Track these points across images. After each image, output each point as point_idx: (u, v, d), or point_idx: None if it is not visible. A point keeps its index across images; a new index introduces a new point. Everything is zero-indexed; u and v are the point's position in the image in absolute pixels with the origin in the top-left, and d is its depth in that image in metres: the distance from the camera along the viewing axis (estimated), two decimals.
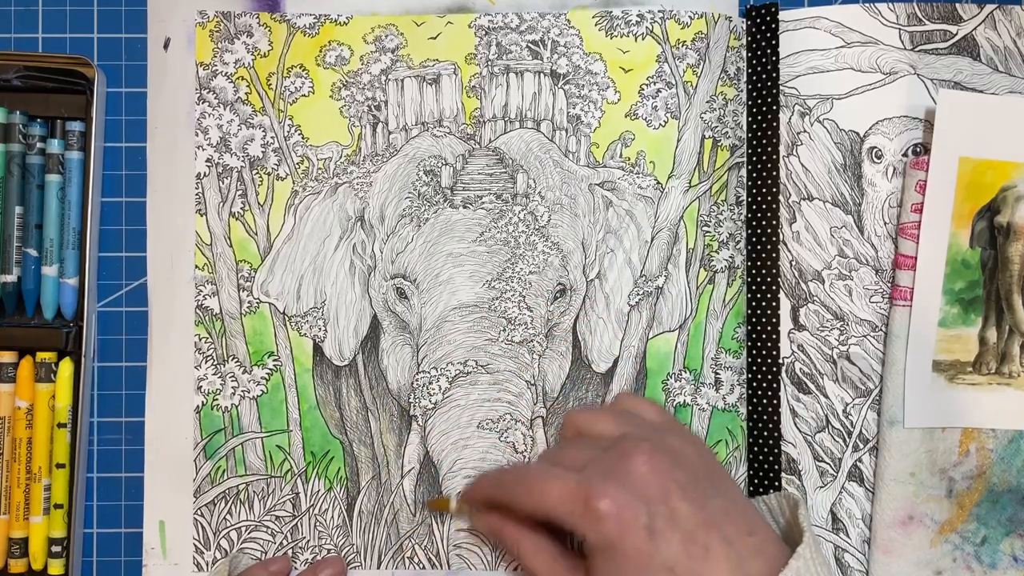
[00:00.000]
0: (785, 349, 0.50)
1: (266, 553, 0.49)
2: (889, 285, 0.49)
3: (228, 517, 0.49)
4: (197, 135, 0.49)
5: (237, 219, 0.49)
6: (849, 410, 0.50)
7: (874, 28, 0.50)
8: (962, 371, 0.49)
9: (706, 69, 0.49)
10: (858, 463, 0.49)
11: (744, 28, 0.50)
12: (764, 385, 0.49)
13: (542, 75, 0.50)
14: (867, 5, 0.50)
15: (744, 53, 0.50)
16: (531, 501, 0.40)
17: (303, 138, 0.49)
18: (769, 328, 0.49)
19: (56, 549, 0.48)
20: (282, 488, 0.49)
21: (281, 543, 0.49)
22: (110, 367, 0.50)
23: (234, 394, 0.49)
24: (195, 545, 0.49)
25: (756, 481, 0.49)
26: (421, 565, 0.49)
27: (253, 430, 0.49)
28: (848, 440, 0.49)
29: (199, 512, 0.49)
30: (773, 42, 0.49)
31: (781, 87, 0.50)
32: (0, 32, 0.50)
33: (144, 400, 0.49)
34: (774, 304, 0.49)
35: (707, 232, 0.49)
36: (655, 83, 0.49)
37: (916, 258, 0.48)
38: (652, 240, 0.49)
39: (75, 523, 0.48)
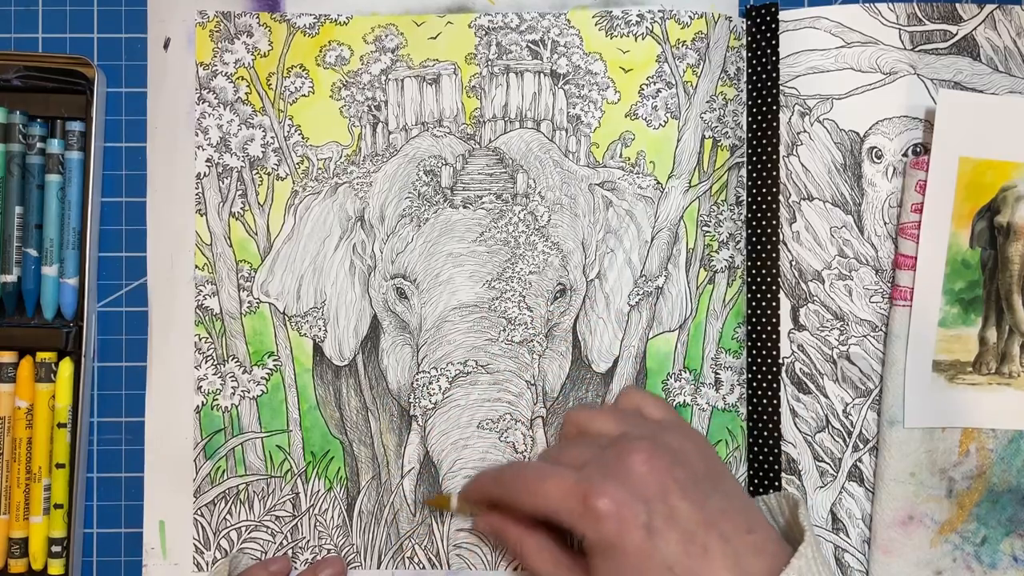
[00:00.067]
0: (785, 349, 0.50)
1: (266, 553, 0.49)
2: (889, 285, 0.49)
3: (228, 517, 0.49)
4: (197, 135, 0.49)
5: (237, 219, 0.49)
6: (849, 410, 0.50)
7: (874, 28, 0.50)
8: (962, 371, 0.49)
9: (706, 69, 0.49)
10: (858, 463, 0.49)
11: (744, 28, 0.50)
12: (764, 385, 0.49)
13: (542, 75, 0.50)
14: (867, 5, 0.50)
15: (744, 53, 0.50)
16: (530, 500, 0.40)
17: (303, 138, 0.49)
18: (769, 328, 0.49)
19: (56, 549, 0.48)
20: (282, 488, 0.49)
21: (281, 543, 0.49)
22: (110, 367, 0.50)
23: (234, 394, 0.49)
24: (195, 545, 0.49)
25: (756, 481, 0.49)
26: (421, 565, 0.49)
27: (253, 430, 0.49)
28: (848, 440, 0.49)
29: (199, 512, 0.49)
30: (773, 42, 0.49)
31: (781, 87, 0.50)
32: (0, 32, 0.50)
33: (144, 400, 0.49)
34: (774, 304, 0.49)
35: (707, 232, 0.49)
36: (655, 83, 0.49)
37: (916, 258, 0.48)
38: (652, 240, 0.49)
39: (75, 523, 0.48)
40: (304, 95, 0.50)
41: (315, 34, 0.50)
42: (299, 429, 0.49)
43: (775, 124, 0.49)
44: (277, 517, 0.49)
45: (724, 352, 0.49)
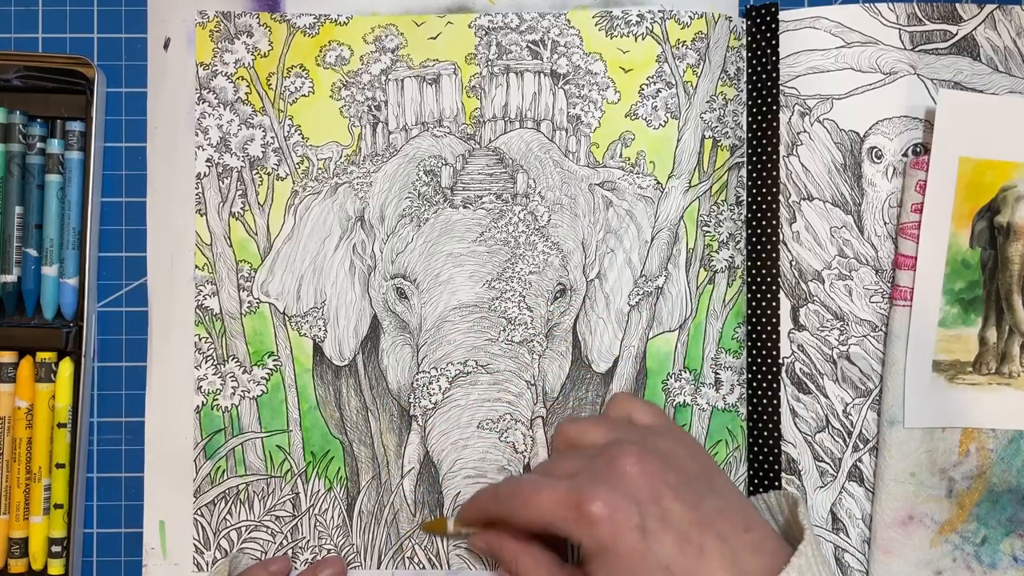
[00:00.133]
0: (785, 349, 0.50)
1: (266, 553, 0.49)
2: (889, 285, 0.49)
3: (228, 517, 0.49)
4: (197, 135, 0.49)
5: (237, 219, 0.49)
6: (849, 410, 0.50)
7: (874, 28, 0.50)
8: (962, 371, 0.49)
9: (706, 69, 0.49)
10: (858, 463, 0.49)
11: (744, 28, 0.50)
12: (764, 385, 0.49)
13: (542, 75, 0.50)
14: (867, 5, 0.50)
15: (744, 53, 0.50)
16: (526, 513, 0.40)
17: (303, 138, 0.49)
18: (769, 328, 0.49)
19: (56, 549, 0.48)
20: (282, 488, 0.49)
21: (281, 543, 0.49)
22: (110, 367, 0.50)
23: (234, 394, 0.49)
24: (195, 545, 0.49)
25: (756, 481, 0.49)
26: (421, 565, 0.49)
27: (253, 430, 0.49)
28: (848, 440, 0.49)
29: (199, 512, 0.49)
30: (773, 42, 0.49)
31: (781, 87, 0.50)
32: (0, 32, 0.50)
33: (144, 400, 0.49)
34: (774, 304, 0.49)
35: (707, 232, 0.49)
36: (655, 83, 0.49)
37: (916, 258, 0.48)
38: (652, 240, 0.49)
39: (75, 523, 0.48)
40: (304, 95, 0.50)
41: (315, 34, 0.50)
42: (299, 429, 0.49)
43: (775, 124, 0.49)
44: (277, 517, 0.49)
45: (724, 352, 0.49)
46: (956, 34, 0.50)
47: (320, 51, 0.50)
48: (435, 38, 0.50)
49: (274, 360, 0.49)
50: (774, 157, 0.49)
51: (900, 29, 0.50)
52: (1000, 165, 0.48)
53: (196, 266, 0.49)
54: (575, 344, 0.50)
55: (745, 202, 0.50)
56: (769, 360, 0.49)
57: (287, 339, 0.49)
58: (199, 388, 0.49)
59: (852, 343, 0.50)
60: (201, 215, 0.49)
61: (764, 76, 0.49)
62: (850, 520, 0.49)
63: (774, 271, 0.49)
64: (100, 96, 0.49)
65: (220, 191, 0.49)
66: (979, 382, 0.49)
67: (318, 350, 0.49)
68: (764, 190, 0.49)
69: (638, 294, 0.49)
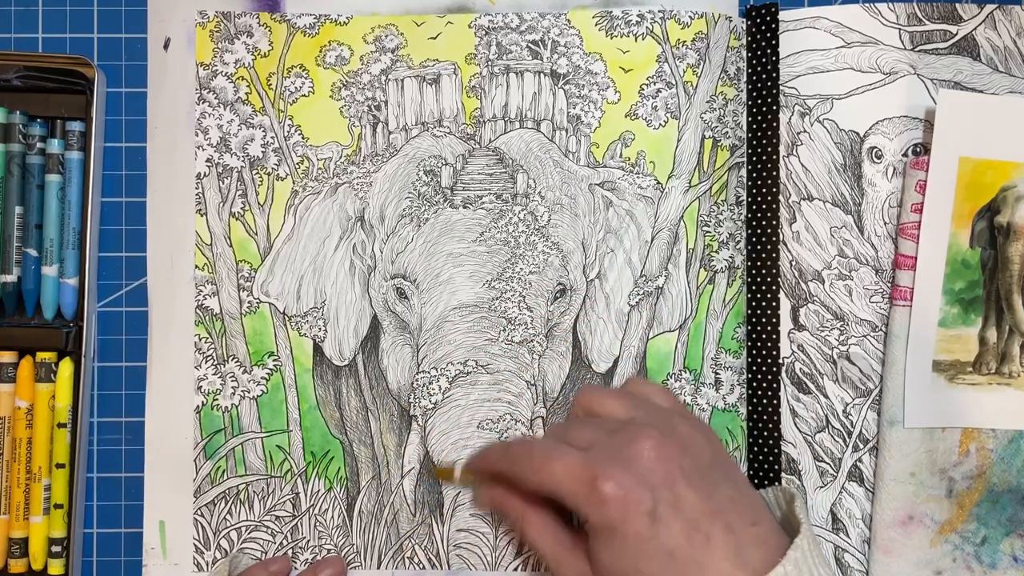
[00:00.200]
0: (785, 349, 0.50)
1: (266, 553, 0.49)
2: (889, 285, 0.49)
3: (228, 517, 0.49)
4: (197, 135, 0.49)
5: (237, 219, 0.49)
6: (849, 410, 0.50)
7: (874, 28, 0.50)
8: (962, 371, 0.49)
9: (706, 69, 0.49)
10: (858, 463, 0.49)
11: (744, 28, 0.50)
12: (764, 385, 0.49)
13: (542, 75, 0.50)
14: (867, 5, 0.50)
15: (744, 53, 0.50)
16: (536, 477, 0.39)
17: (303, 138, 0.49)
18: (769, 328, 0.49)
19: (56, 549, 0.48)
20: (282, 488, 0.49)
21: (281, 543, 0.49)
22: (110, 367, 0.50)
23: (234, 394, 0.49)
24: (195, 545, 0.49)
25: (756, 481, 0.49)
26: (421, 565, 0.49)
27: (253, 430, 0.49)
28: (848, 440, 0.49)
29: (199, 512, 0.49)
30: (773, 42, 0.49)
31: (781, 87, 0.50)
32: (0, 32, 0.50)
33: (144, 400, 0.49)
34: (774, 304, 0.49)
35: (707, 232, 0.49)
36: (655, 83, 0.49)
37: (916, 258, 0.48)
38: (652, 240, 0.49)
39: (75, 523, 0.48)
40: (304, 95, 0.50)
41: (315, 34, 0.50)
42: (299, 429, 0.49)
43: (775, 124, 0.49)
44: (277, 517, 0.49)
45: (724, 352, 0.49)
46: (956, 34, 0.50)
47: (320, 51, 0.50)
48: (435, 38, 0.50)
49: (274, 360, 0.49)
50: (774, 157, 0.49)
51: (900, 29, 0.50)
52: (1000, 165, 0.48)
53: (196, 266, 0.49)
54: (575, 344, 0.50)
55: (745, 202, 0.50)
56: (769, 360, 0.49)
57: (287, 339, 0.49)
58: (199, 388, 0.49)
59: (852, 343, 0.50)
60: (201, 215, 0.49)
61: (764, 76, 0.49)
62: (850, 520, 0.49)
63: (774, 271, 0.49)
64: (100, 96, 0.49)
65: (220, 191, 0.49)
66: (979, 382, 0.49)
67: (318, 350, 0.49)
68: (764, 190, 0.49)
69: (638, 294, 0.49)
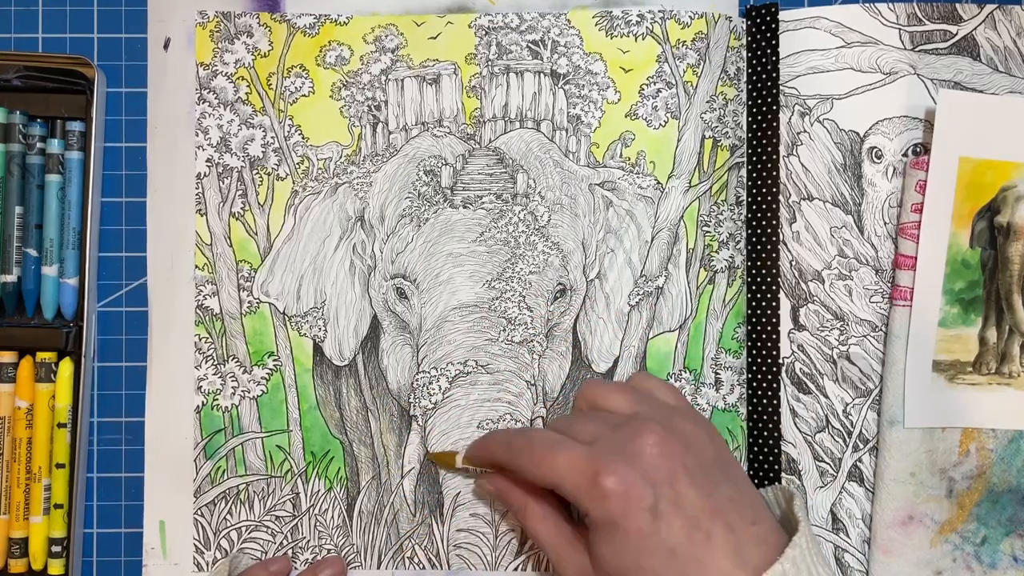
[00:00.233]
0: (785, 349, 0.50)
1: (266, 553, 0.49)
2: (889, 285, 0.49)
3: (228, 517, 0.49)
4: (197, 135, 0.49)
5: (237, 219, 0.49)
6: (849, 410, 0.50)
7: (874, 28, 0.50)
8: (962, 371, 0.49)
9: (706, 69, 0.49)
10: (858, 463, 0.49)
11: (744, 28, 0.50)
12: (764, 385, 0.49)
13: (542, 75, 0.50)
14: (867, 5, 0.50)
15: (744, 53, 0.50)
16: (537, 471, 0.40)
17: (303, 138, 0.49)
18: (769, 328, 0.49)
19: (56, 549, 0.48)
20: (282, 488, 0.49)
21: (281, 543, 0.49)
22: (110, 367, 0.50)
23: (234, 394, 0.49)
24: (195, 545, 0.49)
25: (756, 481, 0.49)
26: (421, 565, 0.49)
27: (253, 430, 0.49)
28: (848, 440, 0.49)
29: (199, 512, 0.49)
30: (773, 42, 0.49)
31: (781, 87, 0.50)
32: (0, 32, 0.50)
33: (144, 400, 0.49)
34: (774, 304, 0.49)
35: (707, 232, 0.49)
36: (655, 83, 0.49)
37: (916, 258, 0.48)
38: (652, 240, 0.49)
39: (75, 523, 0.48)
40: (304, 95, 0.50)
41: (315, 34, 0.50)
42: (299, 429, 0.49)
43: (775, 124, 0.49)
44: (277, 517, 0.49)
45: (724, 352, 0.49)
46: (956, 34, 0.50)
47: (320, 51, 0.50)
48: (435, 38, 0.50)
49: (274, 360, 0.49)
50: (774, 157, 0.49)
51: (900, 29, 0.50)
52: (1000, 165, 0.48)
53: (196, 266, 0.49)
54: (575, 344, 0.50)
55: (745, 202, 0.50)
56: (769, 360, 0.49)
57: (287, 339, 0.49)
58: (199, 388, 0.49)
59: (852, 343, 0.50)
60: (201, 215, 0.49)
61: (764, 76, 0.49)
62: (850, 520, 0.49)
63: (774, 271, 0.49)
64: (100, 96, 0.49)
65: (220, 191, 0.49)
66: (979, 382, 0.49)
67: (318, 350, 0.49)
68: (764, 190, 0.49)
69: (638, 294, 0.49)
